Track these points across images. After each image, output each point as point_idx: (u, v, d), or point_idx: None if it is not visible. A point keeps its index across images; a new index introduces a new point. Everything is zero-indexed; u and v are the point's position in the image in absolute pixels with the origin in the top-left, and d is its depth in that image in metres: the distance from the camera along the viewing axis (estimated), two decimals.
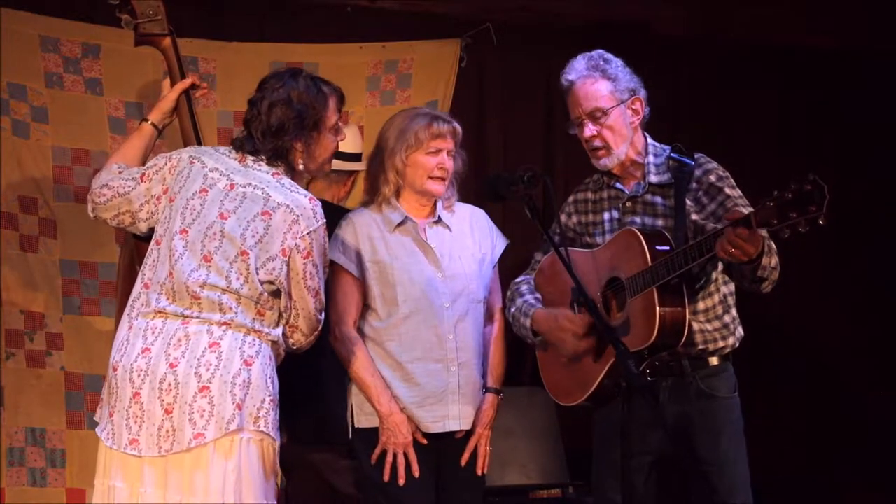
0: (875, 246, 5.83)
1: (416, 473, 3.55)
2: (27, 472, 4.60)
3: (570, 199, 3.80)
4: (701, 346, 3.49)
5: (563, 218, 3.77)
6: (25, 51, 4.69)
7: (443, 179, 3.64)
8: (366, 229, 3.65)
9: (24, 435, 4.60)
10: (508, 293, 3.78)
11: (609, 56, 3.61)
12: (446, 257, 3.66)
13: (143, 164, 3.39)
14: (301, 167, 3.30)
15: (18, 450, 4.59)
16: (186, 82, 3.57)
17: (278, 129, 3.25)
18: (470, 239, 3.73)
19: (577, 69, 3.61)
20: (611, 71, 3.58)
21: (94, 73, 4.79)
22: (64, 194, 4.71)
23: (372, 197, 3.72)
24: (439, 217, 3.70)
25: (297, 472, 4.01)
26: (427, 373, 3.58)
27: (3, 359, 4.58)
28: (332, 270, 3.64)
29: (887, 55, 5.72)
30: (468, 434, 3.64)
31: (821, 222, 2.94)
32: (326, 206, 3.99)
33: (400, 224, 3.65)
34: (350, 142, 4.14)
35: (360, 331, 3.64)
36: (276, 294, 3.20)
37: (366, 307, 3.64)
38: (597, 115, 3.56)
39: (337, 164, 4.06)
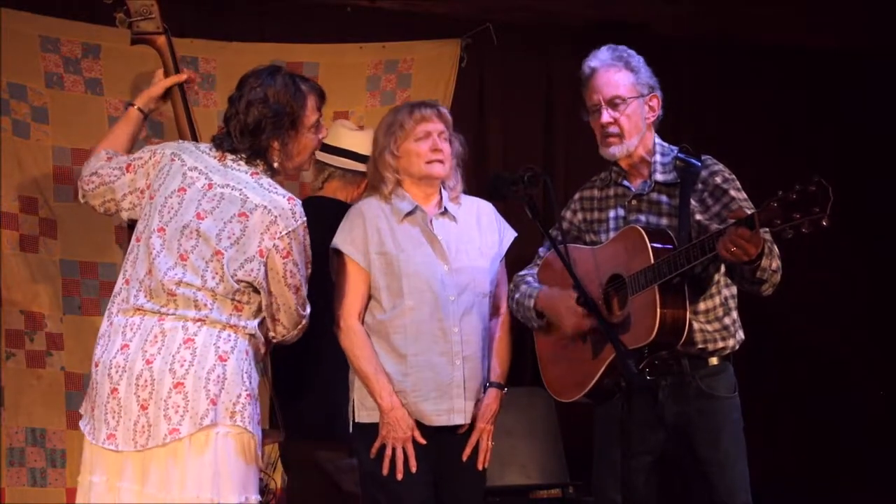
0: (875, 245, 5.84)
1: (414, 469, 3.54)
2: (27, 472, 4.60)
3: (577, 195, 3.80)
4: (700, 346, 3.49)
5: (568, 214, 3.78)
6: (25, 51, 4.69)
7: (441, 162, 3.63)
8: (374, 220, 3.63)
9: (24, 435, 4.60)
10: (511, 284, 3.78)
11: (632, 51, 3.63)
12: (453, 250, 3.64)
13: (131, 149, 3.42)
14: (277, 165, 3.30)
15: (18, 450, 4.59)
16: (181, 76, 3.59)
17: (255, 128, 3.26)
18: (476, 231, 3.72)
19: (601, 58, 3.62)
20: (634, 64, 3.60)
21: (94, 73, 4.79)
22: (64, 194, 4.71)
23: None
24: (445, 209, 3.69)
25: (300, 470, 4.01)
26: (431, 366, 3.56)
27: (3, 359, 4.58)
28: (339, 260, 3.63)
29: (887, 55, 5.72)
30: (470, 429, 3.63)
31: (824, 224, 2.94)
32: (340, 205, 4.02)
33: (409, 214, 3.64)
34: (365, 144, 4.14)
35: (364, 322, 3.63)
36: (255, 290, 3.22)
37: (371, 298, 3.63)
38: (616, 103, 3.57)
39: (351, 165, 4.08)
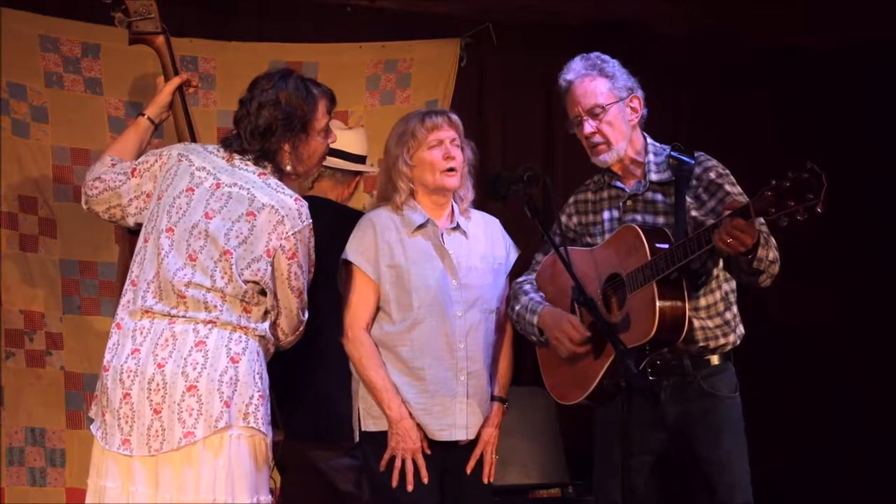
0: (875, 245, 5.84)
1: (426, 479, 3.54)
2: (27, 471, 4.60)
3: (571, 199, 3.80)
4: (702, 344, 3.49)
5: (563, 219, 3.78)
6: (25, 50, 4.69)
7: (454, 170, 3.62)
8: (385, 232, 3.62)
9: (23, 434, 4.60)
10: (510, 292, 3.77)
11: (606, 56, 3.65)
12: (462, 265, 3.64)
13: (138, 158, 3.41)
14: (289, 168, 3.31)
15: (18, 449, 4.59)
16: (182, 77, 3.60)
17: (266, 130, 3.26)
18: (484, 247, 3.72)
19: (576, 69, 3.63)
20: (608, 69, 3.61)
21: (93, 73, 4.79)
22: (64, 194, 4.71)
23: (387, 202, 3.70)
24: (457, 224, 3.68)
25: (295, 470, 4.01)
26: (436, 380, 3.56)
27: (2, 358, 4.58)
28: (349, 271, 3.63)
29: (887, 55, 5.72)
30: (473, 442, 3.63)
31: (818, 210, 2.95)
32: (331, 205, 4.02)
33: (420, 226, 3.63)
34: (356, 143, 4.15)
35: (372, 334, 3.62)
36: (262, 292, 3.21)
37: (379, 310, 3.63)
38: (596, 112, 3.58)
39: (342, 164, 4.08)
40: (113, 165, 3.35)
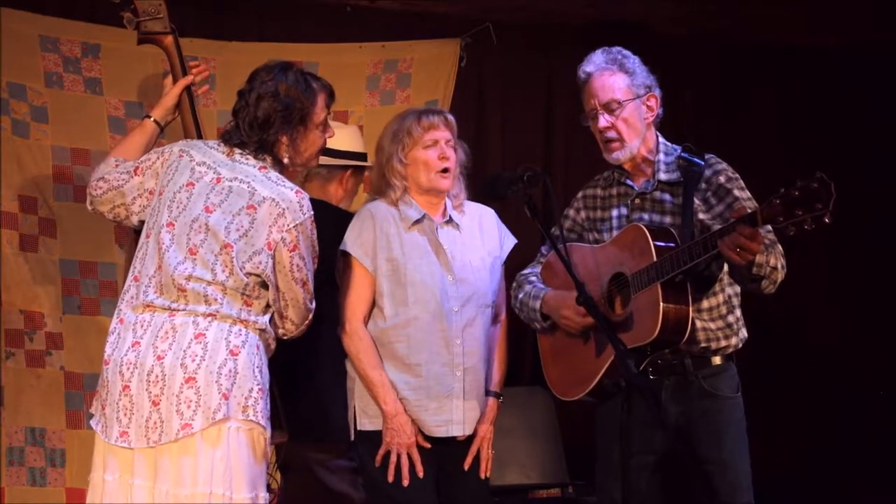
0: (875, 245, 5.84)
1: (421, 474, 3.54)
2: (27, 471, 4.60)
3: (580, 194, 3.80)
4: (704, 345, 3.49)
5: (571, 213, 3.78)
6: (25, 50, 4.69)
7: (448, 171, 3.63)
8: (384, 224, 3.62)
9: (23, 434, 4.60)
10: (514, 283, 3.77)
11: (627, 52, 3.62)
12: (457, 260, 3.64)
13: None
14: (286, 161, 3.31)
15: (18, 449, 4.59)
16: (188, 79, 3.61)
17: (264, 121, 3.27)
18: (479, 240, 3.72)
19: (596, 62, 3.61)
20: (629, 65, 3.59)
21: (93, 73, 4.79)
22: (64, 194, 4.71)
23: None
24: (450, 217, 3.68)
25: (293, 471, 4.00)
26: (433, 376, 3.56)
27: (2, 358, 4.58)
28: (347, 263, 3.63)
29: (887, 55, 5.72)
30: (470, 438, 3.63)
31: (826, 220, 2.94)
32: (321, 204, 3.99)
33: (417, 222, 3.63)
34: (345, 140, 4.12)
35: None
36: (263, 285, 3.22)
37: (374, 305, 3.62)
38: (613, 107, 3.57)
39: (326, 161, 4.04)
40: (117, 166, 3.36)
